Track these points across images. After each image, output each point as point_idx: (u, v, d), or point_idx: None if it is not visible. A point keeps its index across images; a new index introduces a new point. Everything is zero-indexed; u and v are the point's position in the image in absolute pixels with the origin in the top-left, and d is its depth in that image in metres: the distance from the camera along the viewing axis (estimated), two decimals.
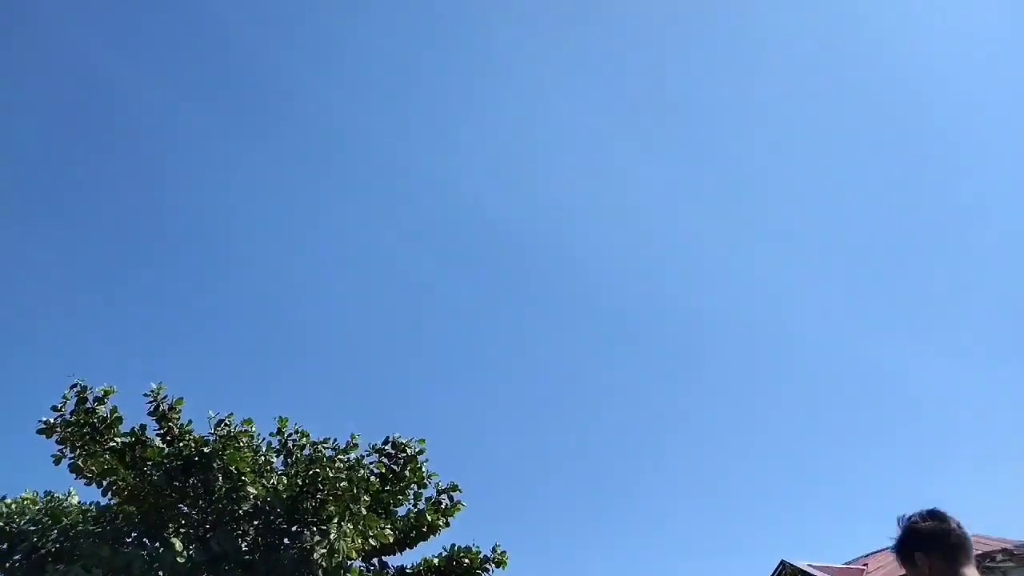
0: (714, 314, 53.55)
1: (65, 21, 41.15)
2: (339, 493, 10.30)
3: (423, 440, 12.17)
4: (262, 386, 44.94)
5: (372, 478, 11.27)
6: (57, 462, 10.36)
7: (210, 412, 11.39)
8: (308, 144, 49.50)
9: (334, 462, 10.92)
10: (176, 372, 45.29)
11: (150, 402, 11.10)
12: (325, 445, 11.65)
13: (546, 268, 53.51)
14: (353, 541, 10.14)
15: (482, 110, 49.91)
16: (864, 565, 20.13)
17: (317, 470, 10.62)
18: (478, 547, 12.40)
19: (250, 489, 10.23)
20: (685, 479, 51.90)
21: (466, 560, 12.09)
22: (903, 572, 2.63)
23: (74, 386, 10.55)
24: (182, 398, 11.25)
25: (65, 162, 44.00)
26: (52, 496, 10.71)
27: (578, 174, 51.14)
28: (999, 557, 15.14)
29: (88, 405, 10.44)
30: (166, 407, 11.07)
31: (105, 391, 10.70)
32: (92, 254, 46.22)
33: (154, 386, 11.06)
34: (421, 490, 12.13)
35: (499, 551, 12.42)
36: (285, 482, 10.83)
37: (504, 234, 52.18)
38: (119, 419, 10.60)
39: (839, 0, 48.93)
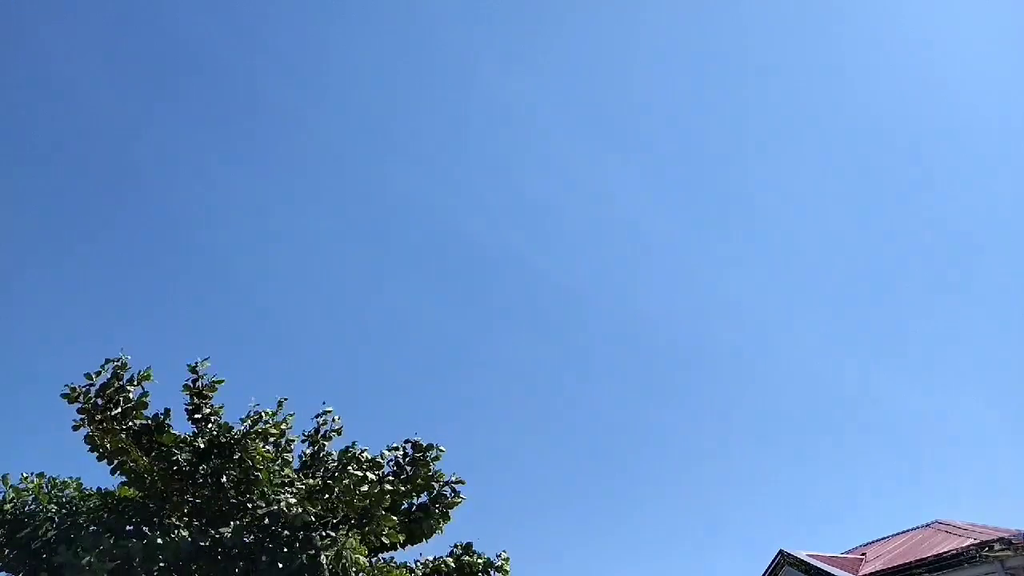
0: (712, 314, 53.62)
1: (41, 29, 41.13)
2: (356, 505, 10.19)
3: (443, 449, 12.05)
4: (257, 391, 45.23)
5: (389, 485, 10.99)
6: (76, 428, 10.10)
7: (252, 399, 11.27)
8: (294, 158, 49.84)
9: (361, 481, 10.45)
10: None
11: (189, 376, 10.98)
12: (353, 456, 11.07)
13: (540, 284, 53.51)
14: (358, 548, 10.05)
15: (456, 123, 50.25)
16: (862, 554, 20.16)
17: (338, 488, 10.23)
18: (483, 554, 12.28)
19: (264, 489, 10.07)
20: (687, 472, 52.11)
21: (469, 561, 11.98)
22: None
23: (115, 360, 10.25)
24: (222, 380, 11.18)
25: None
26: (53, 480, 10.37)
27: (555, 189, 51.50)
28: (997, 547, 15.23)
29: (122, 383, 10.19)
30: (203, 384, 11.01)
31: (143, 375, 10.41)
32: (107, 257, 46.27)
33: (199, 359, 10.99)
34: (431, 487, 12.08)
35: (503, 557, 12.27)
36: (301, 488, 10.43)
37: (483, 247, 52.40)
38: (145, 404, 10.38)
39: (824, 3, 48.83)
